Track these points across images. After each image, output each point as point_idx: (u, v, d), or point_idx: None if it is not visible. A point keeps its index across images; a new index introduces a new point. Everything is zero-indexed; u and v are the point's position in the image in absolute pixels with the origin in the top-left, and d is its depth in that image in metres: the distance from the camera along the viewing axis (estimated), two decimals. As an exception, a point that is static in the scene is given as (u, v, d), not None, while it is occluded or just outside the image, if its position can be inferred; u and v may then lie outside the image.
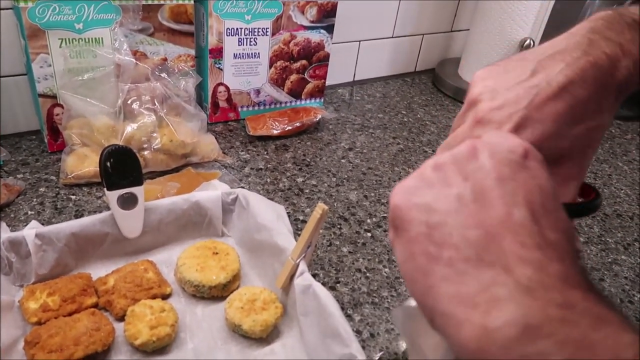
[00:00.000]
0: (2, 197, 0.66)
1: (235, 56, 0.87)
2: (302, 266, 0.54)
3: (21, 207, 0.67)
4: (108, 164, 0.56)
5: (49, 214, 0.67)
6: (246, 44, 0.87)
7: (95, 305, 0.54)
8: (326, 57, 0.96)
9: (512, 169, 0.29)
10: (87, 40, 0.73)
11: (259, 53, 0.89)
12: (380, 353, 0.53)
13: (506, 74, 0.37)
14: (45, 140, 0.78)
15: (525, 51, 0.39)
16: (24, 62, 0.75)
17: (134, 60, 0.74)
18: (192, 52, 0.83)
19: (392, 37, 1.16)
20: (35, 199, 0.69)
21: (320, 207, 0.51)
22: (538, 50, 0.37)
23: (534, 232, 0.26)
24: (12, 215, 0.66)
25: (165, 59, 0.80)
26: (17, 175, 0.72)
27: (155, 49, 0.79)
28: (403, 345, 0.55)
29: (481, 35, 1.10)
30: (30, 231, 0.54)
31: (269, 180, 0.79)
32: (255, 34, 0.87)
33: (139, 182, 0.58)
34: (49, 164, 0.76)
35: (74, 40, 0.72)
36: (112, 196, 0.57)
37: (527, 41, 1.04)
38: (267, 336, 0.53)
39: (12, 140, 0.80)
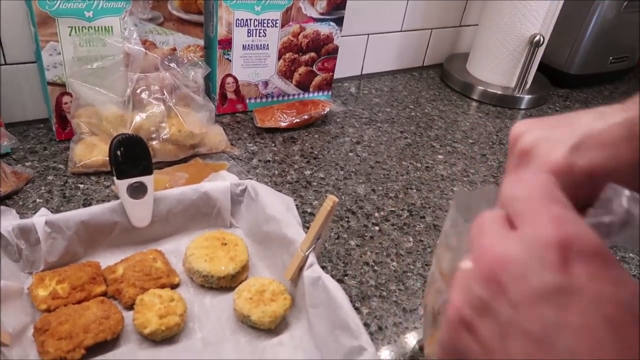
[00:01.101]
0: (11, 185, 0.66)
1: (244, 47, 0.87)
2: (312, 258, 0.53)
3: (29, 195, 0.67)
4: (118, 152, 0.56)
5: (57, 202, 0.67)
6: (255, 35, 0.86)
7: (104, 294, 0.54)
8: (335, 50, 0.96)
9: (554, 303, 0.21)
10: (96, 29, 0.72)
11: (267, 45, 0.88)
12: None
13: (557, 127, 0.32)
14: (54, 129, 0.78)
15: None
16: (33, 49, 0.75)
17: (143, 49, 0.74)
18: (201, 42, 0.83)
19: (401, 31, 1.15)
20: (43, 187, 0.69)
21: (331, 199, 0.51)
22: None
23: None
24: (20, 203, 0.66)
25: (174, 49, 0.80)
26: (25, 163, 0.72)
27: (165, 38, 0.79)
28: (411, 340, 0.55)
29: (490, 30, 1.09)
30: (40, 218, 0.54)
31: (276, 172, 0.78)
32: (265, 25, 0.86)
33: (148, 172, 0.58)
34: (57, 153, 0.76)
35: (83, 29, 0.72)
36: (122, 185, 0.57)
37: (537, 37, 1.03)
38: (275, 327, 0.53)
39: (20, 128, 0.79)
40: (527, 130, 0.33)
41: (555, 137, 0.31)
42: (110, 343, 0.49)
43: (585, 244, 0.22)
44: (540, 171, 0.26)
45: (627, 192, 0.26)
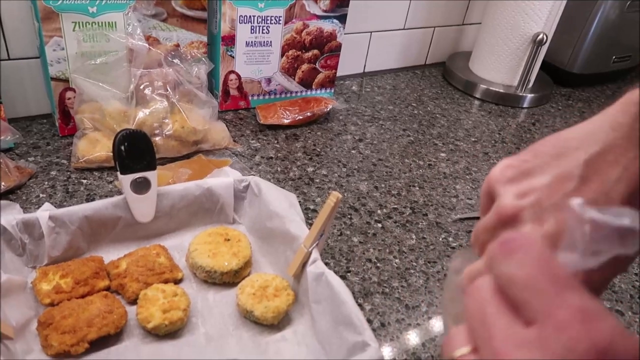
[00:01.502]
0: (14, 179, 0.66)
1: (247, 44, 0.87)
2: (315, 254, 0.53)
3: (33, 190, 0.67)
4: (122, 147, 0.56)
5: (60, 197, 0.67)
6: (258, 32, 0.86)
7: (108, 289, 0.54)
8: (338, 47, 0.96)
9: None
10: (100, 24, 0.72)
11: (271, 41, 0.88)
12: None
13: (542, 175, 0.30)
14: (57, 124, 0.78)
15: (556, 137, 0.31)
16: (37, 44, 0.75)
17: (146, 45, 0.74)
18: (205, 38, 0.83)
19: (404, 29, 1.15)
20: (46, 182, 0.69)
21: (335, 195, 0.51)
22: (574, 140, 0.30)
23: None
24: (24, 198, 0.66)
25: (177, 45, 0.80)
26: (28, 159, 0.72)
27: (168, 34, 0.79)
28: (414, 337, 0.55)
29: (493, 29, 1.09)
30: (44, 213, 0.54)
31: (279, 169, 0.78)
32: (268, 22, 0.86)
33: (152, 167, 0.58)
34: (60, 148, 0.76)
35: (87, 24, 0.71)
36: (126, 180, 0.57)
37: (540, 35, 1.03)
38: (278, 323, 0.53)
39: (24, 123, 0.79)
40: (507, 181, 0.31)
41: (545, 201, 0.29)
42: (113, 337, 0.49)
43: (623, 349, 0.19)
44: (527, 235, 0.23)
45: (587, 227, 0.22)
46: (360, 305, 0.57)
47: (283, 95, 0.95)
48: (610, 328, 0.20)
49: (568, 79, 1.23)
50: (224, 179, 0.64)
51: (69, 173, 0.71)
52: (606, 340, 0.19)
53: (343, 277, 0.61)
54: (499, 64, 1.11)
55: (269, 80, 0.92)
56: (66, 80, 0.74)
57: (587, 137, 0.30)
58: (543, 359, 0.19)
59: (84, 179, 0.70)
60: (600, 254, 0.23)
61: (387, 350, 0.53)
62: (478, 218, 0.35)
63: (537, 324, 0.20)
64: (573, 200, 0.23)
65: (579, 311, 0.20)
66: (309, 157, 0.83)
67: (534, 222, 0.29)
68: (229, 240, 0.59)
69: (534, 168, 0.31)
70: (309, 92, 0.98)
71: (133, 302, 0.53)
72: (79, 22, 0.71)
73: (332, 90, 1.01)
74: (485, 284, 0.23)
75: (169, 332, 0.50)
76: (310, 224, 0.54)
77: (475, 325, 0.23)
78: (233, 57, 0.87)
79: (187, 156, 0.77)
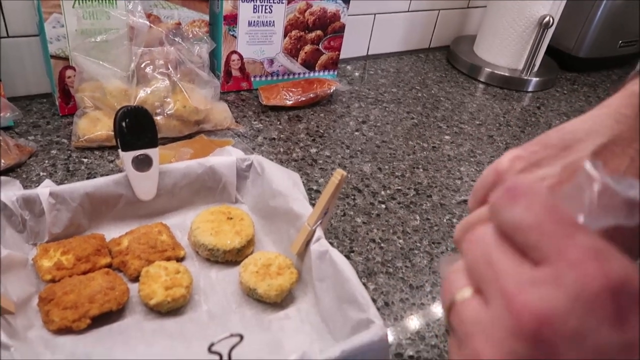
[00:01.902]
0: (14, 157, 0.65)
1: (249, 24, 0.85)
2: (319, 232, 0.53)
3: (33, 168, 0.66)
4: (123, 124, 0.55)
5: (61, 175, 0.66)
6: (261, 12, 0.85)
7: (109, 266, 0.53)
8: (341, 28, 0.94)
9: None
10: (100, 1, 0.71)
11: (273, 21, 0.87)
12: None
13: (551, 166, 0.29)
14: (57, 103, 0.77)
15: (560, 129, 0.31)
16: (36, 21, 0.74)
17: (147, 23, 0.72)
18: (207, 17, 0.81)
19: (408, 12, 1.14)
20: (47, 161, 0.68)
21: (339, 173, 0.50)
22: (579, 132, 0.30)
23: None
24: (24, 176, 0.65)
25: (179, 24, 0.79)
26: (28, 137, 0.72)
27: (170, 12, 0.78)
28: (418, 316, 0.55)
29: (498, 11, 1.08)
30: (44, 189, 0.53)
31: (282, 150, 0.78)
32: (271, 1, 0.85)
33: (154, 144, 0.57)
34: (60, 127, 0.75)
35: (87, 1, 0.70)
36: (127, 157, 0.56)
37: (547, 18, 1.01)
38: (281, 301, 0.52)
39: (23, 102, 0.78)
40: (519, 172, 0.30)
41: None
42: (115, 314, 0.49)
43: (636, 286, 0.19)
44: (532, 182, 0.22)
45: (597, 188, 0.21)
46: (364, 284, 0.57)
47: (286, 77, 0.94)
48: (624, 266, 0.19)
49: (574, 63, 1.22)
50: (226, 157, 0.63)
51: (69, 152, 0.70)
52: (621, 277, 0.19)
53: (347, 257, 0.60)
54: (504, 47, 1.10)
55: (271, 61, 0.91)
56: (66, 59, 0.73)
57: (592, 129, 0.30)
58: (556, 296, 0.19)
59: (85, 157, 0.70)
60: (602, 220, 0.22)
61: (391, 329, 0.53)
62: None
63: (548, 263, 0.20)
64: (589, 161, 0.22)
65: (591, 249, 0.19)
66: (312, 138, 0.82)
67: None
68: (231, 218, 0.58)
69: (543, 159, 0.30)
70: (311, 74, 0.97)
71: (135, 279, 0.52)
72: (79, -1, 0.70)
73: (336, 73, 0.99)
74: (488, 231, 0.23)
75: (171, 309, 0.50)
76: (314, 204, 0.53)
77: (479, 268, 0.22)
78: (235, 37, 0.86)
79: (189, 136, 0.76)
